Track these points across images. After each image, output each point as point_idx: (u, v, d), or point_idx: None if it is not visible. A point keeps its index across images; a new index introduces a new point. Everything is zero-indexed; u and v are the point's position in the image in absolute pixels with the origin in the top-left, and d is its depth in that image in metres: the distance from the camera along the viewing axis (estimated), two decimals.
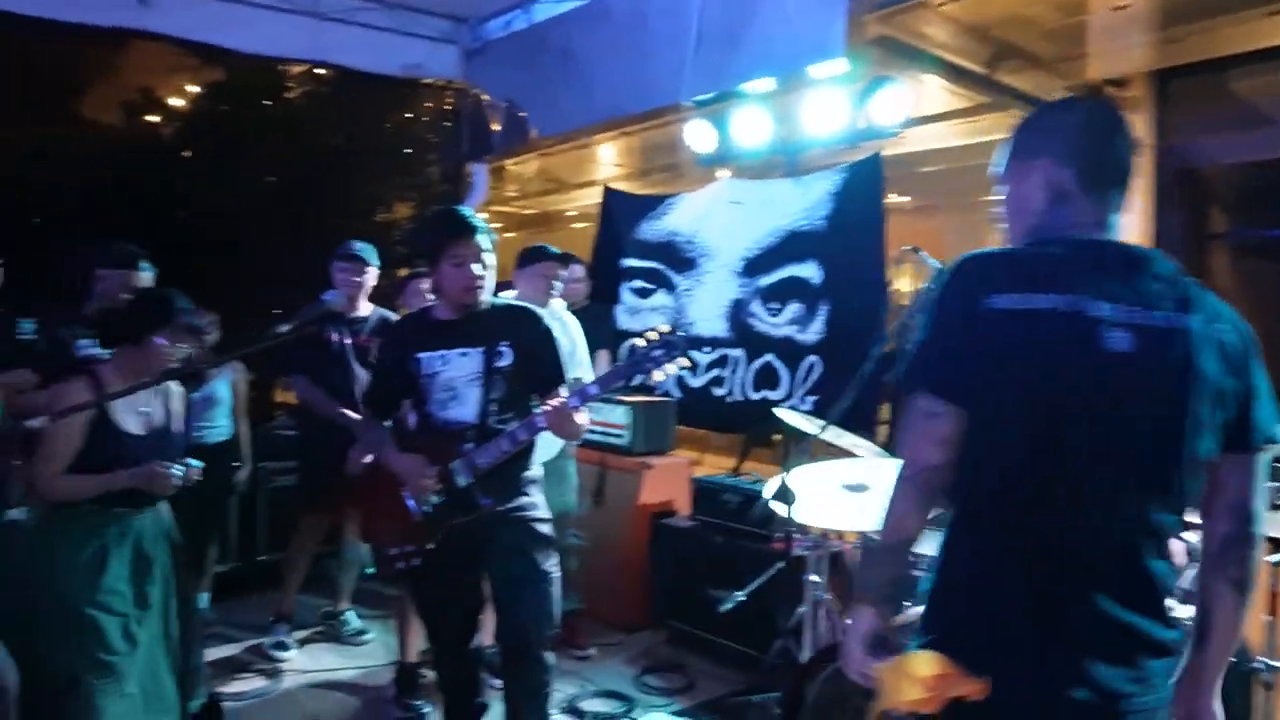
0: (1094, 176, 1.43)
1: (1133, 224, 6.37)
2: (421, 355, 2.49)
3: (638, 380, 4.93)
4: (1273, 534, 2.18)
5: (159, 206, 6.08)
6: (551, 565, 2.51)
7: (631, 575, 4.26)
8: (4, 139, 6.10)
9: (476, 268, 2.44)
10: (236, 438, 4.03)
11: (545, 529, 2.54)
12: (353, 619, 4.08)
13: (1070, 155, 1.44)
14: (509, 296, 3.16)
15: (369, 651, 3.92)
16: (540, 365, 2.53)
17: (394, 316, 2.40)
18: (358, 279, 3.81)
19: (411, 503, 2.47)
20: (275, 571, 4.14)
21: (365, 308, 3.86)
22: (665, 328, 2.29)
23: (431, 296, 2.62)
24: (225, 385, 3.95)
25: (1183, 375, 1.29)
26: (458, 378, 2.47)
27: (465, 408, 2.47)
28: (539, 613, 2.45)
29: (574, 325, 3.67)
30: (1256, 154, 6.67)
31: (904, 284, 4.90)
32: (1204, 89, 6.36)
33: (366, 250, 3.84)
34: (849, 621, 1.43)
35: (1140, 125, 6.35)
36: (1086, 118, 1.49)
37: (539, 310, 2.64)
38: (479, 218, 2.50)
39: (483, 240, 2.46)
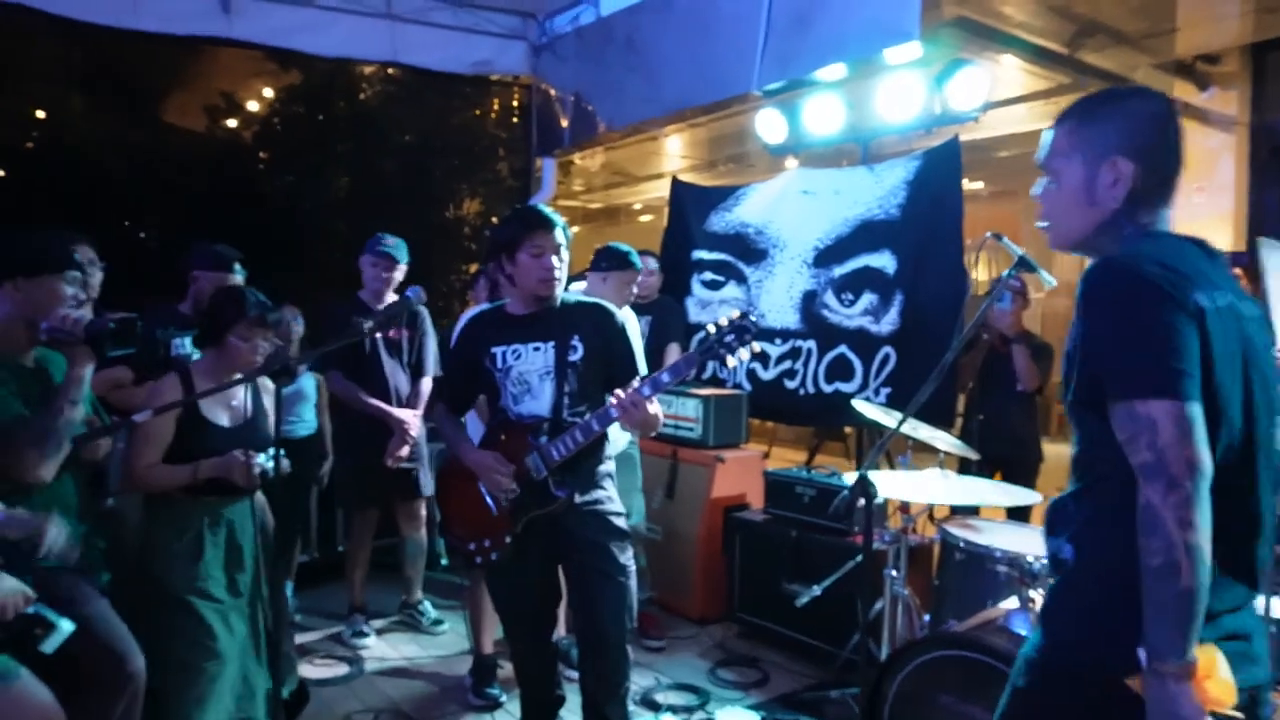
0: (1162, 173, 1.44)
1: (1227, 202, 6.10)
2: (495, 350, 2.51)
3: (710, 368, 4.95)
4: None
5: (242, 208, 6.30)
6: (628, 559, 2.50)
7: (705, 568, 4.25)
8: (94, 143, 6.39)
9: (554, 260, 2.45)
10: (321, 432, 4.15)
11: (620, 522, 2.53)
12: (429, 609, 4.17)
13: (1139, 151, 1.43)
14: (578, 289, 3.17)
15: (446, 641, 4.00)
16: (614, 359, 2.53)
17: (419, 301, 2.39)
18: (387, 274, 3.87)
19: (488, 497, 2.49)
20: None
21: (390, 298, 3.89)
22: (736, 313, 2.24)
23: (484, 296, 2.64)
24: (311, 380, 4.07)
25: (1268, 354, 1.41)
26: (531, 371, 2.49)
27: (539, 401, 2.48)
28: (616, 607, 2.45)
29: (633, 323, 3.65)
30: None
31: (981, 272, 4.76)
32: None
33: (398, 247, 3.89)
34: (1161, 701, 1.23)
35: (1234, 102, 6.07)
36: (1151, 108, 1.46)
37: (611, 306, 2.63)
38: (559, 218, 2.52)
39: (561, 235, 2.48)
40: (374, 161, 6.98)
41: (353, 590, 4.06)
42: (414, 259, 4.04)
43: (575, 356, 2.48)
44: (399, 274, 3.92)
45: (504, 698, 3.34)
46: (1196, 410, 1.26)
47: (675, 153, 9.38)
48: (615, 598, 2.45)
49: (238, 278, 3.57)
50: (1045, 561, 2.43)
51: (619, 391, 2.29)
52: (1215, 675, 1.24)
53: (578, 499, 2.47)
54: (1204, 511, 1.23)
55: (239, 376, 2.42)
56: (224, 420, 2.60)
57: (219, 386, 2.42)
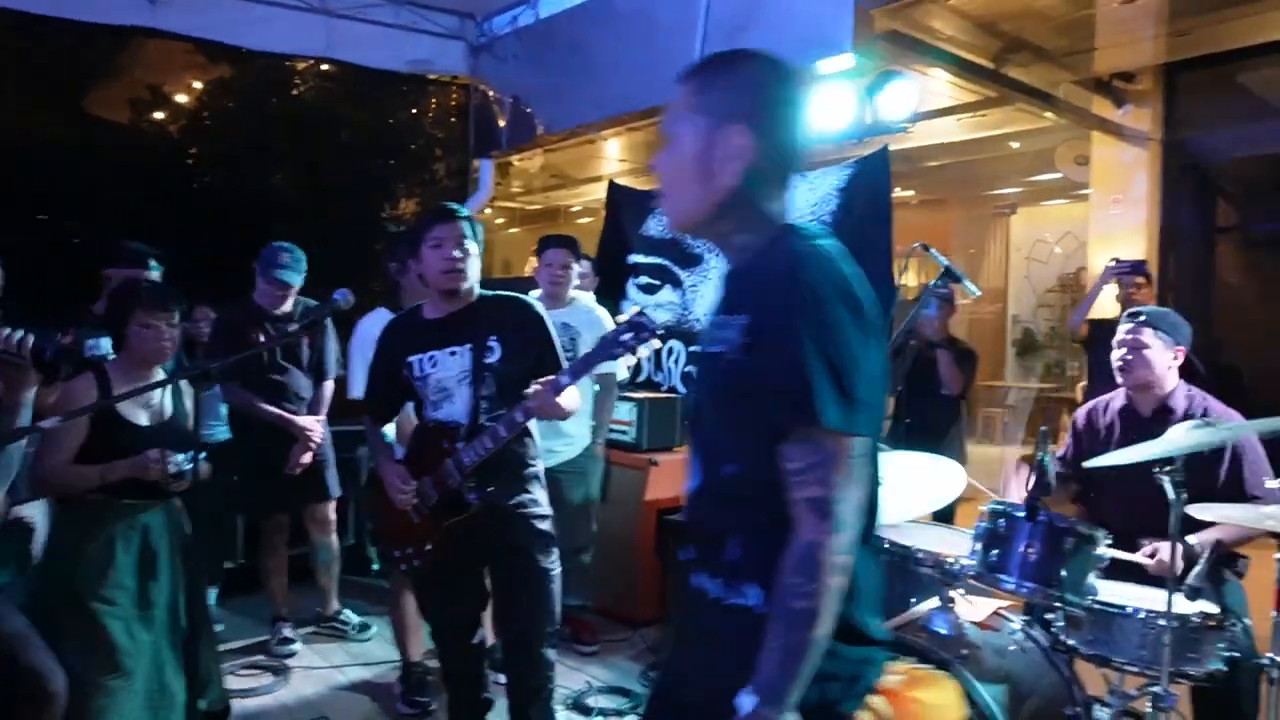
0: (784, 151, 1.30)
1: (1141, 214, 6.36)
2: (412, 359, 2.48)
3: (645, 371, 4.97)
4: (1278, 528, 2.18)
5: (171, 205, 6.11)
6: (551, 563, 2.51)
7: (638, 571, 4.27)
8: (12, 132, 6.12)
9: (456, 251, 2.41)
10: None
11: (546, 526, 2.53)
12: (351, 616, 4.09)
13: (766, 126, 1.27)
14: (534, 295, 3.17)
15: (375, 649, 3.93)
16: (533, 354, 2.49)
17: (346, 304, 2.30)
18: (282, 293, 3.72)
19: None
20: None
21: (288, 304, 3.79)
22: (635, 309, 2.30)
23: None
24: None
25: None
26: (448, 378, 2.46)
27: (456, 407, 2.46)
28: (538, 611, 2.46)
29: (607, 320, 3.66)
30: (1264, 147, 6.64)
31: (910, 279, 4.89)
32: (1212, 82, 6.33)
33: (295, 266, 3.73)
34: None
35: (1148, 118, 6.34)
36: (776, 75, 1.30)
37: (526, 298, 2.62)
38: (464, 209, 2.50)
39: (465, 226, 2.44)
40: (310, 159, 6.84)
41: (273, 599, 3.96)
42: (350, 257, 3.97)
43: (492, 359, 2.44)
44: (295, 291, 3.79)
45: (434, 705, 3.30)
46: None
47: (614, 156, 9.39)
48: (537, 601, 2.46)
49: (154, 275, 3.46)
50: (967, 564, 2.51)
51: (536, 385, 2.29)
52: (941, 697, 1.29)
53: (503, 502, 2.45)
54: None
55: (160, 378, 2.35)
56: (142, 419, 2.52)
57: (136, 389, 2.35)
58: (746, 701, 1.16)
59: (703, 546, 1.41)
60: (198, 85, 7.08)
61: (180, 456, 2.43)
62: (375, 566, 4.53)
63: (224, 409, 3.94)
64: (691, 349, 4.99)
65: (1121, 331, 2.78)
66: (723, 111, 1.27)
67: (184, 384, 2.67)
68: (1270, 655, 2.29)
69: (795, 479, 1.20)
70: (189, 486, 2.48)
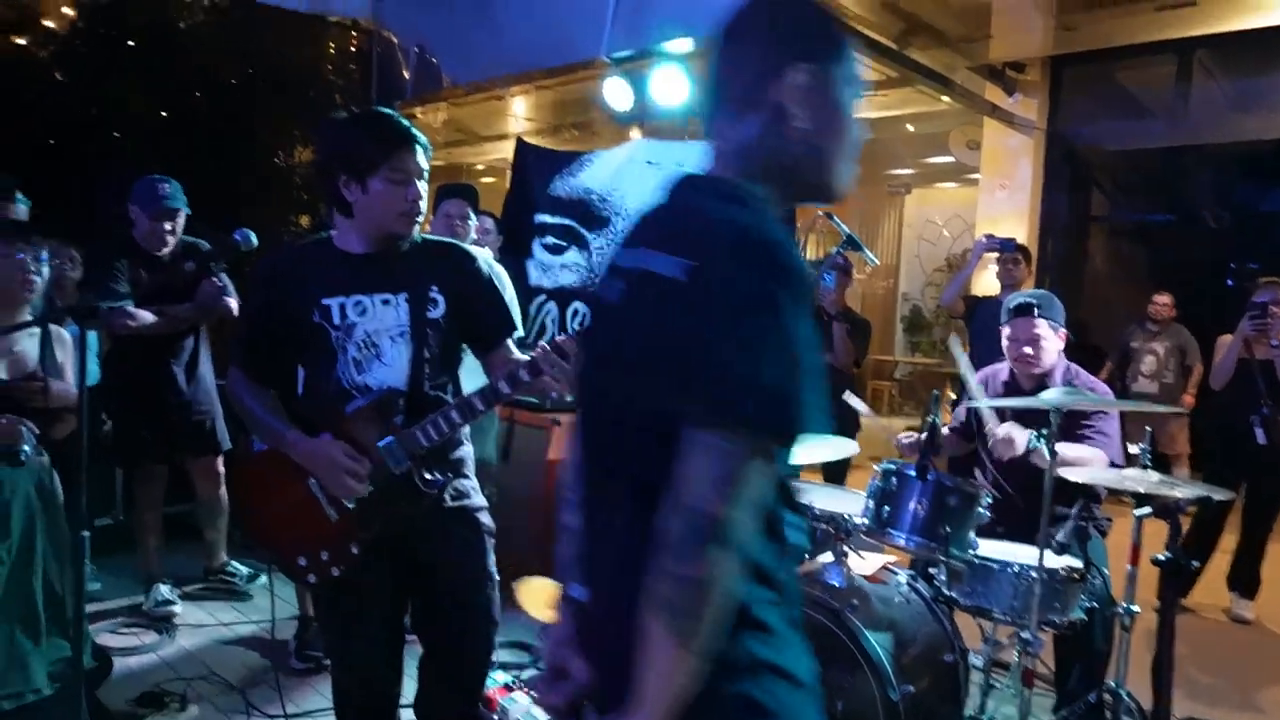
0: None
1: (1024, 199, 6.72)
2: (330, 301, 1.94)
3: (551, 331, 4.95)
4: (1139, 489, 2.38)
5: (31, 133, 5.65)
6: (493, 563, 2.15)
7: (538, 529, 4.29)
8: None
9: (419, 186, 1.96)
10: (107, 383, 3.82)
11: (488, 519, 2.14)
12: (239, 567, 3.94)
13: None
14: None
15: (265, 605, 3.82)
16: (481, 312, 2.09)
17: (247, 246, 1.92)
18: (171, 225, 3.51)
19: (322, 497, 1.95)
20: (165, 525, 3.97)
21: (171, 243, 3.56)
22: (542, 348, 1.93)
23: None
24: (94, 331, 3.72)
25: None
26: (380, 331, 1.96)
27: (391, 370, 1.96)
28: (485, 647, 2.11)
29: (505, 279, 3.60)
30: (1135, 142, 7.11)
31: (810, 251, 5.02)
32: (1093, 77, 6.72)
33: (176, 195, 3.51)
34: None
35: (1034, 108, 6.68)
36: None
37: (471, 247, 2.22)
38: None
39: (424, 157, 1.98)
40: (192, 95, 6.42)
41: (147, 559, 3.71)
42: (237, 207, 3.77)
43: (436, 313, 2.00)
44: (181, 221, 3.56)
45: (327, 660, 3.25)
46: None
47: (521, 114, 9.25)
48: (485, 633, 2.09)
49: (20, 208, 3.21)
50: (859, 521, 2.65)
51: (545, 344, 1.90)
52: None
53: (450, 490, 2.02)
54: None
55: (28, 318, 2.19)
56: (2, 373, 2.34)
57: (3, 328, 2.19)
58: None
59: (609, 675, 1.09)
60: (68, 11, 6.55)
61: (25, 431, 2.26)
62: None
63: (91, 354, 3.71)
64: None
65: (1017, 326, 2.91)
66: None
67: (61, 332, 2.50)
68: (1124, 604, 2.51)
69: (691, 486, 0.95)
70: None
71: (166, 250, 3.53)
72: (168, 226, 3.50)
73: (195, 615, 3.67)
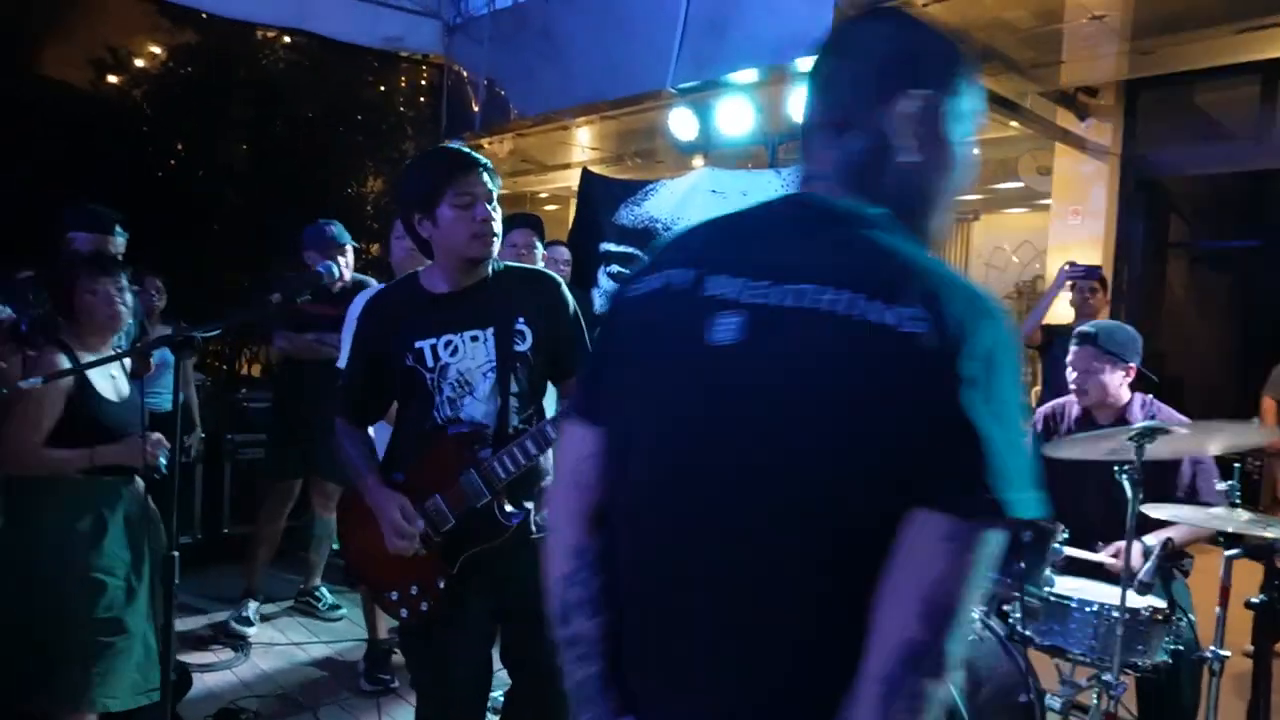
0: None
1: (1098, 228, 6.54)
2: (422, 344, 1.97)
3: None
4: (1227, 529, 2.28)
5: (126, 171, 5.95)
6: None
7: None
8: None
9: (489, 209, 1.95)
10: (187, 403, 3.96)
11: None
12: (326, 594, 4.06)
13: None
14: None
15: (341, 628, 3.91)
16: (560, 345, 2.07)
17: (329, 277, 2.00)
18: (342, 259, 3.67)
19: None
20: (240, 545, 4.10)
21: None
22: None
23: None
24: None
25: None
26: (472, 369, 1.97)
27: (480, 406, 1.98)
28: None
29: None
30: (1216, 166, 6.88)
31: None
32: (1169, 101, 6.54)
33: (341, 232, 3.74)
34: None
35: (1108, 133, 6.52)
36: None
37: (553, 275, 2.21)
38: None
39: (490, 179, 1.98)
40: (273, 132, 6.70)
41: (252, 569, 3.85)
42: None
43: (523, 345, 2.00)
44: (350, 256, 3.78)
45: (395, 682, 3.30)
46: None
47: (584, 143, 9.37)
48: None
49: (119, 241, 3.36)
50: None
51: None
52: None
53: (535, 523, 1.99)
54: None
55: (123, 345, 2.29)
56: (111, 395, 2.47)
57: (106, 357, 2.30)
58: None
59: None
60: (159, 50, 6.89)
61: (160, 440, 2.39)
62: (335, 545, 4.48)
63: (169, 374, 3.87)
64: None
65: (1071, 353, 2.83)
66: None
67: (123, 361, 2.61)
68: (1212, 648, 2.40)
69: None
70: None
71: (339, 285, 3.70)
72: (342, 262, 3.67)
73: (268, 634, 3.77)
